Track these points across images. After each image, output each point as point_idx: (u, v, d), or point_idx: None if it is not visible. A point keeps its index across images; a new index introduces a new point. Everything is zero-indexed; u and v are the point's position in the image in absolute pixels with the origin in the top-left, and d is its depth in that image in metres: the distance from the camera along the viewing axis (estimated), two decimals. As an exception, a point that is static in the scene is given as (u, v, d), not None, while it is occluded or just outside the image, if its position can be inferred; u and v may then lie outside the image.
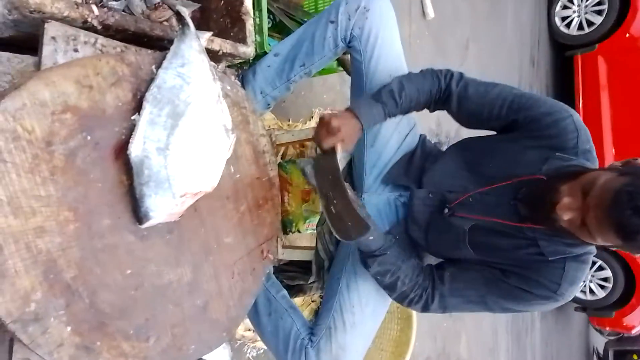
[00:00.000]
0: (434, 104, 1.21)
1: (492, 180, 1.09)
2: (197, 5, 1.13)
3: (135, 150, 0.80)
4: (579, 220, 0.90)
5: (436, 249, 1.20)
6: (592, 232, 0.88)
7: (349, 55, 1.47)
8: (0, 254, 0.68)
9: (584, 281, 4.50)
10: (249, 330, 1.61)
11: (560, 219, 0.91)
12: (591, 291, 4.52)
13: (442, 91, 1.17)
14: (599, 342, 6.65)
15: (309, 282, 1.39)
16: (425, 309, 1.12)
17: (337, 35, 1.25)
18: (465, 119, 1.20)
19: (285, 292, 1.32)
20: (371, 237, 1.04)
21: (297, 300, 1.64)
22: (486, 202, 1.09)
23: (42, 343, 0.72)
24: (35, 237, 0.72)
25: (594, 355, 6.64)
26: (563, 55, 4.85)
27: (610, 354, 5.83)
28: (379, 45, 1.23)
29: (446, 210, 1.15)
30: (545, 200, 0.95)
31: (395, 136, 1.30)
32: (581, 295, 4.58)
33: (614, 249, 0.93)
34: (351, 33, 1.24)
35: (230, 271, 1.02)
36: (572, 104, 4.45)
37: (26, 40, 0.97)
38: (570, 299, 1.03)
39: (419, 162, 1.27)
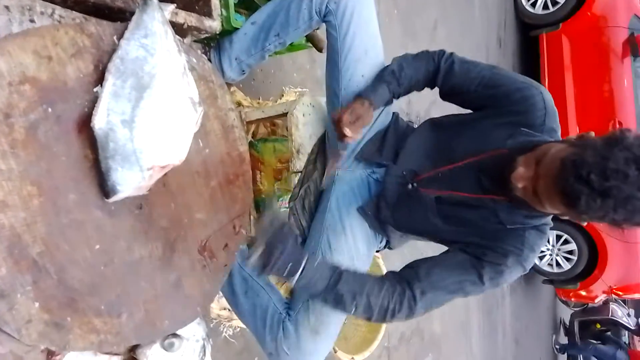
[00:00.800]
0: (431, 83, 1.25)
1: (460, 157, 1.13)
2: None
3: (99, 122, 0.78)
4: (531, 189, 0.94)
5: (405, 224, 1.23)
6: (542, 200, 0.93)
7: (318, 31, 1.47)
8: (-40, 230, 0.66)
9: (551, 255, 4.69)
10: (225, 309, 1.61)
11: (515, 188, 0.96)
12: (557, 264, 4.70)
13: (435, 70, 1.22)
14: (566, 314, 6.96)
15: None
16: (410, 313, 1.06)
17: (312, 7, 1.25)
18: (447, 93, 1.24)
19: None
20: (318, 265, 1.01)
21: (273, 279, 1.64)
22: (452, 178, 1.12)
23: (9, 320, 0.71)
24: (-3, 212, 0.70)
25: (561, 327, 6.94)
26: (529, 35, 4.94)
27: (576, 324, 6.15)
28: (355, 22, 1.23)
29: (410, 186, 1.18)
30: (504, 172, 0.99)
31: None
32: (548, 269, 4.76)
33: (563, 217, 0.98)
34: (327, 7, 1.24)
35: (202, 247, 1.02)
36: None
37: (-21, 13, 0.92)
38: (529, 268, 1.06)
39: (392, 139, 1.29)
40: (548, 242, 4.58)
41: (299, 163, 1.38)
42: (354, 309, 1.04)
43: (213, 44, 1.46)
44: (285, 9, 1.28)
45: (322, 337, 1.15)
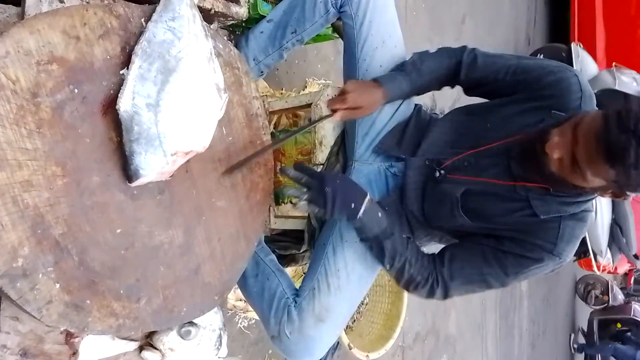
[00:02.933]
0: (452, 79, 1.22)
1: (487, 142, 1.09)
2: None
3: (124, 105, 0.78)
4: (569, 159, 0.88)
5: (434, 220, 1.19)
6: (582, 168, 0.86)
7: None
8: (-15, 207, 0.66)
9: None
10: (241, 300, 1.61)
11: (551, 160, 0.90)
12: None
13: (457, 63, 1.19)
14: (584, 317, 6.71)
15: (301, 251, 1.39)
16: (431, 293, 1.11)
17: (328, 0, 1.23)
18: (471, 87, 1.21)
19: (273, 256, 1.32)
20: (380, 214, 1.05)
21: (289, 272, 1.63)
22: (480, 164, 1.09)
23: (31, 299, 0.71)
24: (22, 191, 0.69)
25: (579, 332, 6.75)
26: (557, 35, 4.81)
27: (595, 323, 5.85)
28: (371, 9, 1.21)
29: (438, 174, 1.15)
30: (536, 149, 0.94)
31: (388, 105, 1.29)
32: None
33: (606, 194, 0.91)
34: None
35: (222, 235, 1.01)
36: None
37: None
38: (568, 259, 1.02)
39: (412, 132, 1.26)
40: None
41: (321, 155, 1.35)
42: (388, 267, 1.10)
43: (237, 32, 1.44)
44: (300, 4, 1.26)
45: (325, 325, 1.13)
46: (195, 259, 0.95)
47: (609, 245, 3.52)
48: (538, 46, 4.86)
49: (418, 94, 1.27)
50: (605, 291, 5.75)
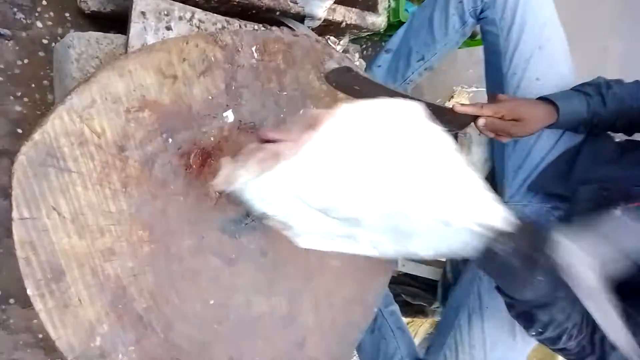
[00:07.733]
0: None
1: None
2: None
3: None
4: None
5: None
6: None
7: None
8: (62, 280, 0.57)
9: None
10: None
11: None
12: None
13: None
14: None
15: (433, 306, 1.16)
16: None
17: (464, 9, 0.97)
18: None
19: (395, 307, 1.11)
20: (540, 277, 0.63)
21: (417, 323, 1.41)
22: None
23: (108, 383, 0.62)
24: (103, 261, 0.60)
25: None
26: None
27: None
28: (521, 9, 0.92)
29: (618, 212, 0.82)
30: None
31: (548, 130, 0.98)
32: None
33: None
34: (482, 0, 0.95)
35: (333, 300, 0.84)
36: None
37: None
38: None
39: (586, 162, 0.93)
40: None
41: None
42: (533, 333, 0.73)
43: (377, 38, 1.24)
44: (427, 25, 1.01)
45: None
46: (300, 331, 0.80)
47: None
48: None
49: (597, 131, 0.93)
50: None
